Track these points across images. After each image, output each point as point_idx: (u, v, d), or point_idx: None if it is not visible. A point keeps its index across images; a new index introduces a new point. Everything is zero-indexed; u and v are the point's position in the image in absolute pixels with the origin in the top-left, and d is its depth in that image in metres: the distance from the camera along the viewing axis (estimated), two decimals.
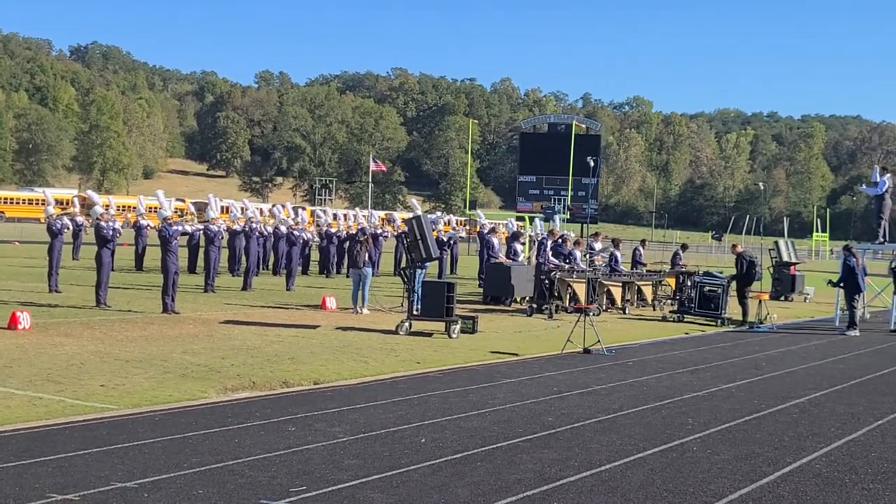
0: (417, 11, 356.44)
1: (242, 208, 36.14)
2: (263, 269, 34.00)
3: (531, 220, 43.49)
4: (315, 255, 38.22)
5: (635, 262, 30.42)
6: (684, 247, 33.84)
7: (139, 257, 34.04)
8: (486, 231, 32.52)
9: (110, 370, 12.87)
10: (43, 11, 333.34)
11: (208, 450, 8.81)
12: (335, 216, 43.95)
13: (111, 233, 21.77)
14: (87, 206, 35.45)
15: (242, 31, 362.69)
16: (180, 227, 22.07)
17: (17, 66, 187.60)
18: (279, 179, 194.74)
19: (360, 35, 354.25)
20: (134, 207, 42.92)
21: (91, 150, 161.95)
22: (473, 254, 46.64)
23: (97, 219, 22.53)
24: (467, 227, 71.44)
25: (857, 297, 24.71)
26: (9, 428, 9.38)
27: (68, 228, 26.10)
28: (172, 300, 20.38)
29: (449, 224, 44.00)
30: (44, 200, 33.81)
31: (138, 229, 34.22)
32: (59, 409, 10.36)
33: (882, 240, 27.78)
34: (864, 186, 31.04)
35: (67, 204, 64.76)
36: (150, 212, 41.57)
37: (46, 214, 26.19)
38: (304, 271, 35.50)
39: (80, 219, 33.66)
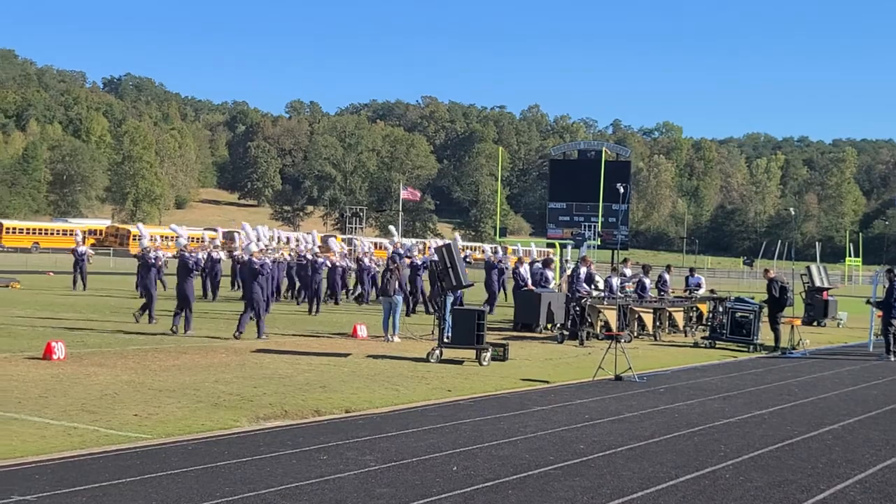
0: (446, 40, 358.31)
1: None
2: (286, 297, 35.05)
3: (562, 246, 43.41)
4: (351, 283, 38.65)
5: (660, 288, 30.24)
6: (668, 268, 33.22)
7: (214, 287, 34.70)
8: (498, 261, 33.55)
9: (143, 399, 12.96)
10: (77, 44, 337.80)
11: (240, 479, 8.85)
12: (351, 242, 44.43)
13: (194, 262, 22.70)
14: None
15: (273, 62, 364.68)
16: (269, 261, 23.35)
17: (52, 99, 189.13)
18: (310, 208, 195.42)
19: (390, 64, 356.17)
20: (200, 238, 43.37)
21: (124, 181, 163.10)
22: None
23: (181, 249, 23.46)
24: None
25: (895, 322, 24.29)
26: (44, 458, 9.46)
27: (160, 260, 27.08)
28: (264, 324, 22.07)
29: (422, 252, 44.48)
30: (73, 231, 33.98)
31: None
32: (93, 439, 10.44)
33: None
34: None
35: (103, 235, 65.18)
36: (191, 241, 41.83)
37: (141, 247, 27.11)
38: (336, 300, 35.71)
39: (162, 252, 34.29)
